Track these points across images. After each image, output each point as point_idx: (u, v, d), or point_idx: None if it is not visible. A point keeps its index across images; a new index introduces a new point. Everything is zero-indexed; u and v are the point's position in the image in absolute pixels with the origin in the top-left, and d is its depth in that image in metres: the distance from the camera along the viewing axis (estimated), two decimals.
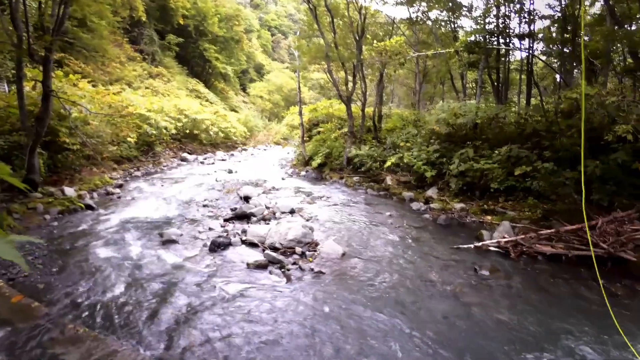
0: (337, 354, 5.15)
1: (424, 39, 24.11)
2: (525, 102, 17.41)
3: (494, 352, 5.47)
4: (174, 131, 24.17)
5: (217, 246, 8.16)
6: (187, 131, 26.73)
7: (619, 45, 14.59)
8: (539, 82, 19.68)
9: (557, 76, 18.50)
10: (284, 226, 8.65)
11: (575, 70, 19.26)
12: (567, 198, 10.39)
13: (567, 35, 15.38)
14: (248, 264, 7.40)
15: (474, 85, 23.45)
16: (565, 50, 15.82)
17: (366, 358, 5.12)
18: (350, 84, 20.77)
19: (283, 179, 18.78)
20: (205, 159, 25.02)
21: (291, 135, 35.80)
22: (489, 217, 11.66)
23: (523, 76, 18.75)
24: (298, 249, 8.09)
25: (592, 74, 16.73)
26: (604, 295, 6.10)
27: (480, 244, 9.46)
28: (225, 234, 9.05)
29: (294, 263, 7.61)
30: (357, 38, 19.61)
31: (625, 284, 7.68)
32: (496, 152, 13.13)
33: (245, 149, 32.22)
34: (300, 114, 23.72)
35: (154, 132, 21.44)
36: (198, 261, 7.82)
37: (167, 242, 8.52)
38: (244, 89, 54.54)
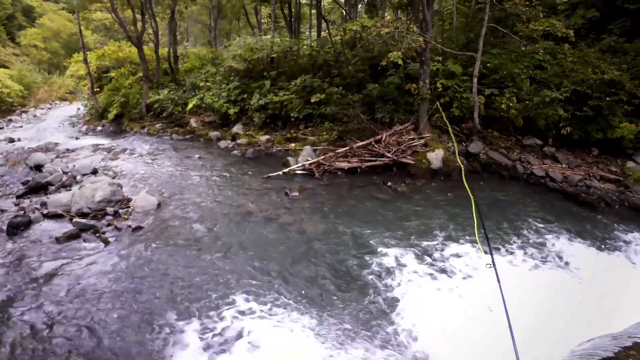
0: (181, 302, 4.90)
1: None
2: (316, 35, 18.39)
3: (314, 255, 6.02)
4: None
5: (16, 227, 6.89)
6: None
7: None
8: (327, 16, 20.94)
9: (343, 10, 19.95)
10: (88, 188, 7.88)
11: (360, 5, 21.08)
12: (355, 118, 11.52)
13: None
14: (57, 238, 6.53)
15: (268, 20, 23.57)
16: None
17: (210, 293, 5.05)
18: (139, 24, 18.45)
19: (77, 138, 16.40)
20: None
21: (79, 87, 30.70)
22: (292, 145, 12.23)
23: (313, 11, 19.65)
24: (110, 209, 7.53)
25: (373, 8, 18.52)
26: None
27: (287, 169, 9.90)
28: (22, 212, 7.64)
29: (109, 224, 7.05)
30: None
31: (408, 183, 9.34)
32: (293, 83, 13.60)
33: (25, 111, 27.06)
34: (86, 61, 20.40)
35: None
36: None
37: None
38: (12, 39, 43.51)
